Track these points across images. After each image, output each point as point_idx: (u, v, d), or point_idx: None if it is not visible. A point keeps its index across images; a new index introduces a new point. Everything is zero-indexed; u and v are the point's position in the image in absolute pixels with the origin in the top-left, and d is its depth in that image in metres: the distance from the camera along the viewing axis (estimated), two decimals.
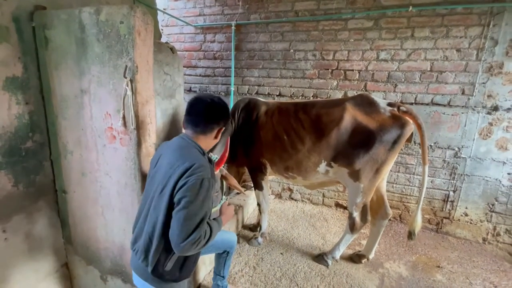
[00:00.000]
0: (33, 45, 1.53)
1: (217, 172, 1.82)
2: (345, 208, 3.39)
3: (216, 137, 1.26)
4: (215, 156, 1.90)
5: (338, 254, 2.35)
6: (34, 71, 1.56)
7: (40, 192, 1.67)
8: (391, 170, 3.02)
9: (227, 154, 1.84)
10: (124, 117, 1.38)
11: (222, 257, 1.78)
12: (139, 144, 1.42)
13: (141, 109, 1.39)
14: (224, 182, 1.95)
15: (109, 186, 1.56)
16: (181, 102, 2.14)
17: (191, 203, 1.03)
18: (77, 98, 1.51)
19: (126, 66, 1.32)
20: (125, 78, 1.33)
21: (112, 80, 1.38)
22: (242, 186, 3.26)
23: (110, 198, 1.58)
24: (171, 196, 1.08)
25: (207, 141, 1.25)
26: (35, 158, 1.62)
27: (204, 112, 1.21)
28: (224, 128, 1.28)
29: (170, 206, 1.08)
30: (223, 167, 1.94)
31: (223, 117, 1.25)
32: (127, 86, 1.33)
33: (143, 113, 1.41)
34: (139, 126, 1.40)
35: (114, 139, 1.46)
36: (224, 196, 1.98)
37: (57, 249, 1.80)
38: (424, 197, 2.94)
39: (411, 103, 2.86)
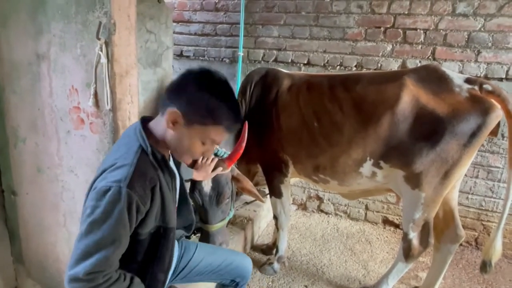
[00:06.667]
0: None
1: (228, 170, 1.86)
2: (397, 226, 3.41)
3: (167, 125, 1.15)
4: (222, 151, 1.93)
5: None
6: None
7: None
8: (465, 175, 3.00)
9: (244, 145, 1.86)
10: (96, 94, 1.44)
11: None
12: (116, 131, 1.47)
13: (120, 83, 1.45)
14: (234, 187, 1.99)
15: (74, 187, 1.63)
16: (169, 71, 2.18)
17: (88, 217, 1.03)
18: (32, 66, 1.57)
19: (100, 22, 1.36)
20: (98, 39, 1.37)
21: (80, 43, 1.43)
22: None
23: (75, 203, 1.65)
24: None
25: (160, 126, 1.19)
26: None
27: (171, 83, 1.22)
28: (183, 116, 1.12)
29: None
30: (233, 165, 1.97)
31: (179, 95, 1.14)
32: (101, 51, 1.37)
33: (122, 89, 1.46)
34: (116, 107, 1.45)
35: (82, 124, 1.52)
36: (232, 208, 2.04)
37: (4, 269, 1.91)
38: (509, 214, 2.94)
39: (501, 79, 2.82)
